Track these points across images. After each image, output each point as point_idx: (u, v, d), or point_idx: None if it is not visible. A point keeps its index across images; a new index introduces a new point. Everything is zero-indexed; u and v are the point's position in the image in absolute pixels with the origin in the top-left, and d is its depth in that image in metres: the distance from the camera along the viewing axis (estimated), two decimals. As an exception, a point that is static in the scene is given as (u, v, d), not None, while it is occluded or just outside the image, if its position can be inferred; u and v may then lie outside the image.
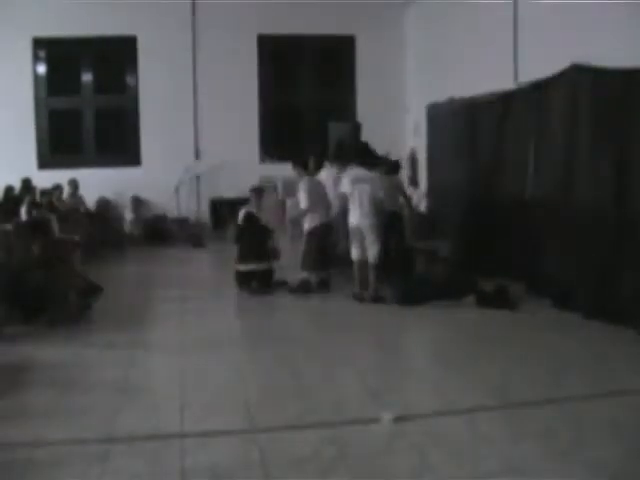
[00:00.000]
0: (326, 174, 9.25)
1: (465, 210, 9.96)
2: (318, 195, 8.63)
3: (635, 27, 6.51)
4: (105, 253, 11.13)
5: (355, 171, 8.19)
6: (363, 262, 8.00)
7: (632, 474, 3.80)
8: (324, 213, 8.64)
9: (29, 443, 4.23)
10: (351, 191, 8.03)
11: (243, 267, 8.59)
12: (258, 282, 8.50)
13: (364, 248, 7.97)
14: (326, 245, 8.71)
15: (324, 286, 8.59)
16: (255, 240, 8.58)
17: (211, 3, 13.13)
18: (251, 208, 8.86)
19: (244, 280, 8.57)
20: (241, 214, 8.83)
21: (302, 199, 8.55)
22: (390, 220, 8.48)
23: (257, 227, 8.68)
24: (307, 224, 8.66)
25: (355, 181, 8.03)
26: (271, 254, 8.65)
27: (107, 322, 7.15)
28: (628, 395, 4.91)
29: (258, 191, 9.17)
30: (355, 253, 8.08)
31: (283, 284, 8.67)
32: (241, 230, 8.74)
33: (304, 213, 8.61)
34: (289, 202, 9.33)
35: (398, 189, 9.27)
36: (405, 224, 9.32)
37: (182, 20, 13.18)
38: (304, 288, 8.47)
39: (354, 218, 8.03)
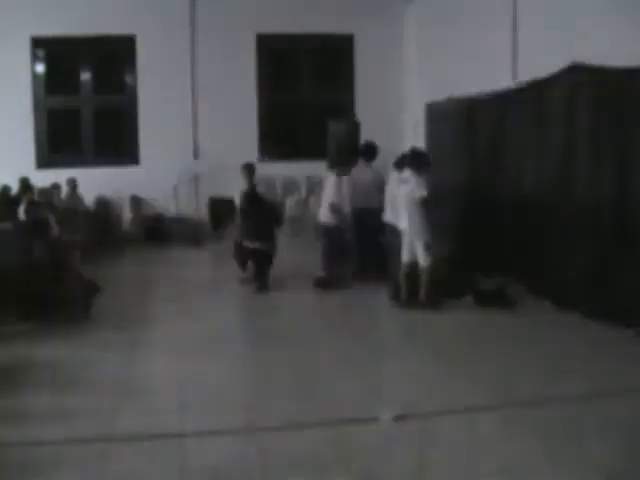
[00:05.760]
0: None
1: (465, 210, 9.96)
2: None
3: (635, 27, 6.51)
4: (104, 253, 11.10)
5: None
6: (411, 265, 7.68)
7: (631, 474, 3.81)
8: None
9: (29, 443, 4.23)
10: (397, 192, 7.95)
11: (246, 243, 8.61)
12: (256, 262, 8.47)
13: (413, 252, 7.65)
14: (340, 244, 8.79)
15: (342, 282, 8.67)
16: (260, 220, 8.59)
17: (210, 3, 13.11)
18: (246, 185, 8.84)
19: (243, 254, 8.56)
20: (238, 194, 8.81)
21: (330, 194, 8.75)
22: None
23: (262, 206, 8.70)
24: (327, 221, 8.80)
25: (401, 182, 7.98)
26: (275, 235, 8.67)
27: (107, 322, 7.14)
28: (628, 395, 4.92)
29: (249, 167, 9.30)
30: (404, 256, 7.75)
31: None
32: (245, 211, 8.71)
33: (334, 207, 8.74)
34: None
35: None
36: None
37: (181, 20, 13.16)
38: (327, 283, 8.54)
39: (401, 221, 7.85)
